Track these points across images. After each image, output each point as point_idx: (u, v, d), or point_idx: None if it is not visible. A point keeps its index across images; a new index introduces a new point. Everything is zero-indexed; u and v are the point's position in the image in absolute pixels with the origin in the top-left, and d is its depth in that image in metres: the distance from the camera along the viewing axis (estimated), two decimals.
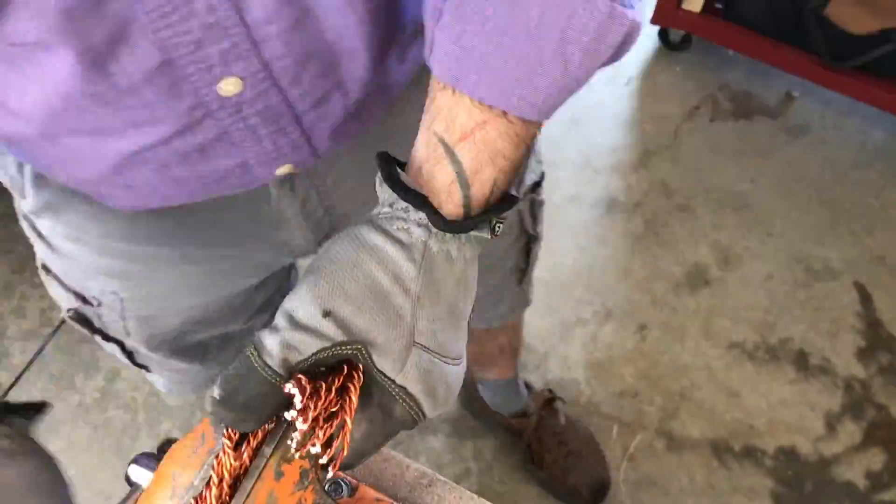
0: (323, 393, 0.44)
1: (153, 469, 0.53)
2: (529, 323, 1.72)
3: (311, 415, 0.44)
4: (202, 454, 0.50)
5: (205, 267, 0.75)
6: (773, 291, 1.76)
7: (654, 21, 2.02)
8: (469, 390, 1.58)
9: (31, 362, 1.71)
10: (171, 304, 0.80)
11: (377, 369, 0.46)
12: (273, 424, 0.50)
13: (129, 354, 0.90)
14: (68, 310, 0.82)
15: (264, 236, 0.73)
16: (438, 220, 0.46)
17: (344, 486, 0.57)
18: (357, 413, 0.46)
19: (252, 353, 0.44)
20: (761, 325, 1.72)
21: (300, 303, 0.45)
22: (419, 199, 0.47)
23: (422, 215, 0.47)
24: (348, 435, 0.45)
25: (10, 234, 1.83)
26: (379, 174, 0.49)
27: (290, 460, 0.49)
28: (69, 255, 0.73)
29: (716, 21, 1.94)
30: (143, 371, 0.96)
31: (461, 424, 1.61)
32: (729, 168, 1.94)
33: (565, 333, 1.71)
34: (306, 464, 0.49)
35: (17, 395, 1.68)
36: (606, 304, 1.74)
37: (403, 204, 0.47)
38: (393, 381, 0.46)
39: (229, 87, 0.49)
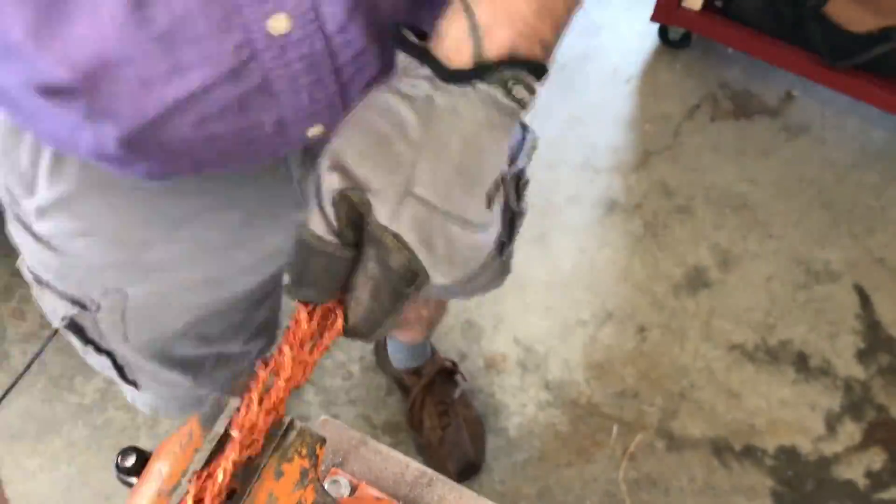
0: None
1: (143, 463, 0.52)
2: (529, 323, 1.73)
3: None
4: (189, 452, 0.50)
5: (219, 256, 0.75)
6: (774, 293, 1.76)
7: (654, 18, 2.02)
8: (377, 343, 1.64)
9: (30, 364, 1.71)
10: (179, 300, 0.79)
11: (373, 217, 0.46)
12: (272, 426, 0.50)
13: (120, 369, 0.88)
14: (63, 318, 0.80)
15: (283, 218, 0.72)
16: (440, 69, 0.46)
17: (344, 485, 0.57)
18: (361, 274, 0.48)
19: (305, 234, 0.47)
20: (761, 326, 1.72)
21: (321, 162, 0.47)
22: (422, 52, 0.47)
23: (427, 70, 0.47)
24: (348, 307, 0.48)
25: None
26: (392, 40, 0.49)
27: (290, 460, 0.49)
28: (74, 253, 0.72)
29: (716, 19, 1.94)
30: (130, 391, 0.95)
31: None
32: (729, 168, 1.94)
33: (565, 334, 1.71)
34: (306, 463, 0.49)
35: (17, 397, 1.68)
36: (606, 306, 1.74)
37: (412, 62, 0.47)
38: (387, 228, 0.46)
39: (278, 24, 0.49)
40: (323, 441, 0.50)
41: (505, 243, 1.03)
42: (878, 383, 1.64)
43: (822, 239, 1.83)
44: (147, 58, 0.49)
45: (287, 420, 0.50)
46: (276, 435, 0.50)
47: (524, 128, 0.90)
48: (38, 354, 1.71)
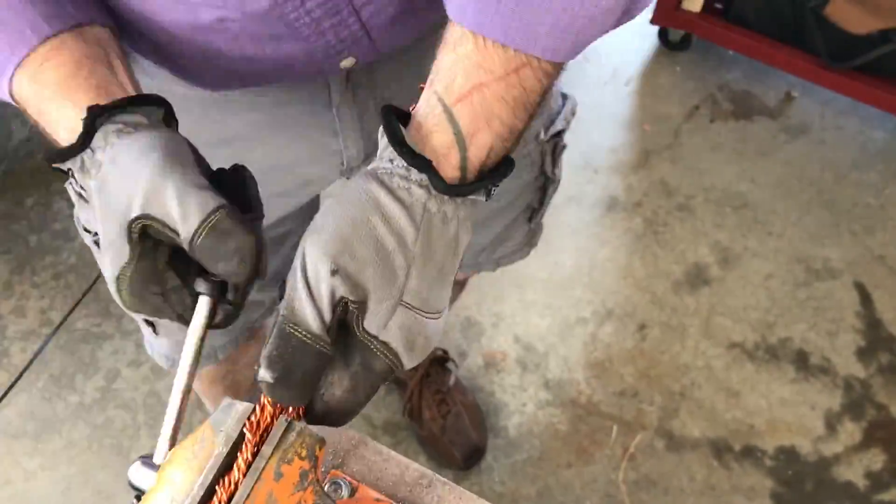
0: None
1: (154, 469, 0.53)
2: (529, 322, 1.73)
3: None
4: (202, 458, 0.50)
5: (259, 175, 0.77)
6: (773, 291, 1.76)
7: (653, 21, 2.02)
8: None
9: (30, 362, 1.71)
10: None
11: (362, 328, 0.47)
12: (271, 424, 0.50)
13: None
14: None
15: (318, 146, 0.76)
16: (439, 183, 0.47)
17: (344, 487, 0.57)
18: (340, 371, 0.49)
19: (293, 328, 0.46)
20: (761, 324, 1.72)
21: (316, 259, 0.46)
22: (422, 162, 0.47)
23: (423, 177, 0.47)
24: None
25: (10, 234, 1.83)
26: (382, 127, 0.49)
27: (289, 461, 0.49)
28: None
29: (715, 21, 1.94)
30: (148, 337, 0.99)
31: None
32: (729, 168, 1.94)
33: (565, 333, 1.71)
34: (306, 464, 0.49)
35: (17, 396, 1.68)
36: (606, 304, 1.74)
37: (403, 162, 0.48)
38: (375, 338, 0.47)
39: None
40: (322, 442, 0.50)
41: (535, 210, 1.05)
42: (879, 382, 1.64)
43: (822, 237, 1.83)
44: None
45: (286, 421, 0.50)
46: (276, 436, 0.50)
47: (564, 96, 0.93)
48: (38, 352, 1.71)
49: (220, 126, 0.73)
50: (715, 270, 1.79)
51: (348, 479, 0.57)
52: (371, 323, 0.47)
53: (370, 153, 0.78)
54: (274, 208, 0.82)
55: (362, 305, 0.47)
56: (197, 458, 0.50)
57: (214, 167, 0.72)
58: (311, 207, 0.93)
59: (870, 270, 1.78)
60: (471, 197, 0.49)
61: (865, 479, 1.55)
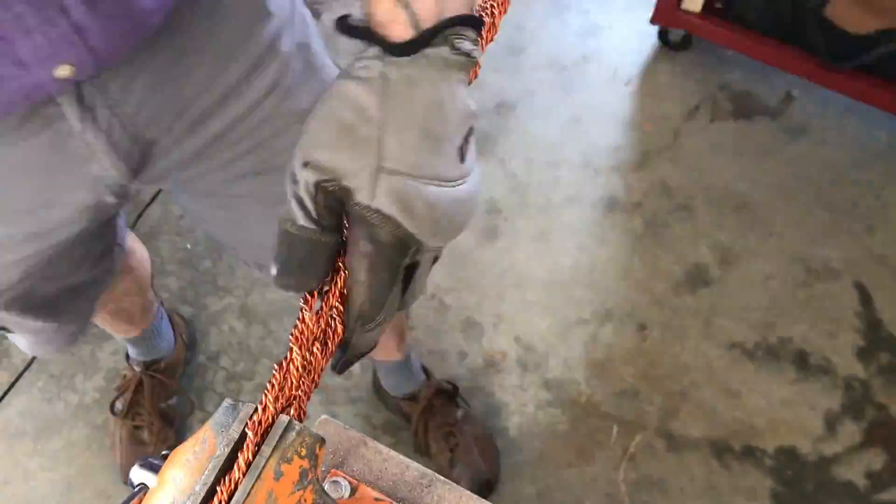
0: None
1: (155, 471, 0.53)
2: (530, 322, 1.73)
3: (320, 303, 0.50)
4: (203, 459, 0.50)
5: (30, 216, 0.77)
6: (774, 291, 1.76)
7: (654, 21, 2.02)
8: (373, 371, 1.63)
9: (30, 362, 1.71)
10: (3, 257, 0.81)
11: (354, 200, 0.48)
12: (273, 424, 0.50)
13: None
14: None
15: (77, 172, 0.74)
16: (387, 45, 0.48)
17: (343, 486, 0.57)
18: (354, 256, 0.49)
19: (286, 227, 0.49)
20: (761, 324, 1.72)
21: (293, 161, 0.49)
22: (366, 33, 0.49)
23: (375, 49, 0.48)
24: (343, 278, 0.50)
25: None
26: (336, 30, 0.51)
27: (289, 460, 0.49)
28: None
29: (716, 21, 1.94)
30: (4, 333, 0.99)
31: None
32: (729, 168, 1.94)
33: (565, 333, 1.71)
34: (306, 463, 0.49)
35: (17, 396, 1.68)
36: (606, 304, 1.75)
37: (361, 46, 0.49)
38: (368, 207, 0.48)
39: None
40: (322, 441, 0.50)
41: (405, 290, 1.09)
42: (879, 382, 1.64)
43: (823, 238, 1.83)
44: None
45: (286, 420, 0.50)
46: (276, 435, 0.50)
47: None
48: None
49: None
50: (715, 271, 1.79)
51: (348, 478, 0.57)
52: (359, 194, 0.48)
53: (138, 169, 0.76)
54: (65, 233, 0.82)
55: (342, 184, 0.48)
56: (198, 459, 0.50)
57: None
58: (105, 225, 0.94)
59: (870, 271, 1.78)
60: (434, 52, 0.48)
61: (865, 478, 1.55)
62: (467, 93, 0.51)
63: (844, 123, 2.00)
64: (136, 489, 0.53)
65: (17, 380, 1.69)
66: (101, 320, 1.37)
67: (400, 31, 0.48)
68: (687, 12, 1.95)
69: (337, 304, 0.51)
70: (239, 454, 0.49)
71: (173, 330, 1.63)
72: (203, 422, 0.52)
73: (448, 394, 1.57)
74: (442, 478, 0.60)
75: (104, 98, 0.68)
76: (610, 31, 2.18)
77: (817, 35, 1.80)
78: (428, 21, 0.48)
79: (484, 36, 0.53)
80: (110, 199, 0.80)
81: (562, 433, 1.61)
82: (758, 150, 1.97)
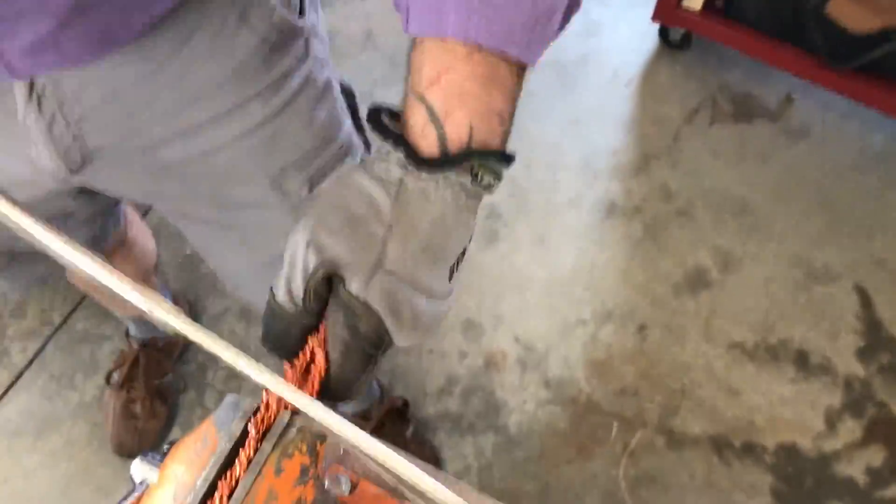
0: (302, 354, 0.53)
1: (157, 466, 0.53)
2: (530, 323, 1.73)
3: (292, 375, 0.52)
4: (205, 455, 0.50)
5: None
6: (774, 294, 1.76)
7: (654, 18, 2.02)
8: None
9: (31, 361, 1.71)
10: None
11: (345, 288, 0.50)
12: (272, 422, 0.50)
13: None
14: None
15: (17, 151, 0.74)
16: (413, 156, 0.49)
17: (344, 482, 0.57)
18: (333, 336, 0.51)
19: (270, 299, 0.52)
20: (761, 326, 1.72)
21: (292, 239, 0.51)
22: (396, 139, 0.50)
23: (400, 155, 0.50)
24: (320, 362, 0.52)
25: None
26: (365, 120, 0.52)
27: (290, 456, 0.49)
28: None
29: (716, 19, 1.94)
30: None
31: (461, 422, 1.62)
32: (729, 171, 1.94)
33: (565, 333, 1.71)
34: (307, 460, 0.49)
35: (17, 394, 1.68)
36: (606, 305, 1.75)
37: (386, 147, 0.50)
38: (357, 297, 0.49)
39: None
40: (323, 438, 0.50)
41: None
42: (879, 381, 1.65)
43: (823, 241, 1.83)
44: None
45: (287, 416, 0.50)
46: (277, 431, 0.50)
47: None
48: (38, 352, 1.72)
49: None
50: (715, 274, 1.79)
51: (349, 474, 0.57)
52: (352, 284, 0.49)
53: (76, 169, 0.76)
54: (28, 191, 0.81)
55: (339, 271, 0.49)
56: (200, 455, 0.50)
57: None
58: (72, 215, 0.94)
59: (870, 274, 1.78)
60: (455, 178, 0.50)
61: (866, 475, 1.55)
62: (473, 217, 0.53)
63: (844, 126, 2.00)
64: (138, 485, 0.54)
65: (17, 378, 1.69)
66: (97, 296, 1.40)
67: (427, 147, 0.50)
68: (687, 10, 1.95)
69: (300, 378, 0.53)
70: (241, 450, 0.49)
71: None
72: (203, 418, 0.52)
73: (399, 411, 1.57)
74: (443, 473, 0.60)
75: (55, 92, 0.69)
76: (610, 30, 2.18)
77: (818, 33, 1.80)
78: (456, 147, 0.50)
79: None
80: (51, 185, 0.80)
81: (562, 431, 1.61)
82: (758, 153, 1.97)
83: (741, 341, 1.70)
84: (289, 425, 0.50)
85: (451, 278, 0.53)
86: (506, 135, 0.52)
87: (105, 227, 1.09)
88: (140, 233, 1.34)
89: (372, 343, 0.51)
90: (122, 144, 0.75)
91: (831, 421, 1.61)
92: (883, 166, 1.93)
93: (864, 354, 1.68)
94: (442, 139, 0.50)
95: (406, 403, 1.59)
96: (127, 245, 1.25)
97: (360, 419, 1.55)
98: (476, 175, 0.50)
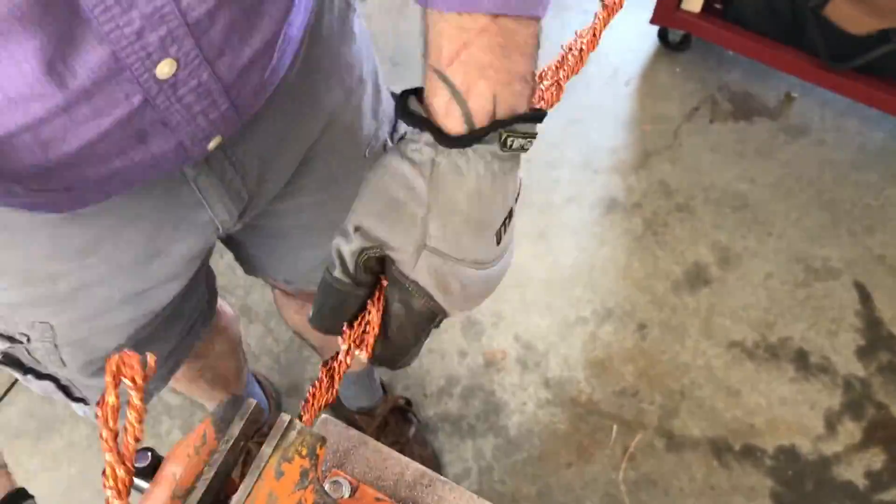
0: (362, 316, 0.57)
1: (155, 468, 0.52)
2: (529, 321, 1.73)
3: (351, 334, 0.56)
4: (204, 454, 0.50)
5: (135, 272, 0.74)
6: (773, 291, 1.76)
7: (653, 21, 2.02)
8: None
9: None
10: (104, 321, 0.78)
11: (395, 267, 0.54)
12: (272, 421, 0.50)
13: (65, 389, 0.87)
14: None
15: (187, 221, 0.73)
16: (440, 136, 0.52)
17: (344, 486, 0.57)
18: (389, 311, 0.56)
19: (326, 275, 0.55)
20: (761, 324, 1.72)
21: (345, 225, 0.55)
22: (422, 121, 0.53)
23: (429, 136, 0.52)
24: (375, 323, 0.56)
25: None
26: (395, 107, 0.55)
27: (290, 459, 0.49)
28: None
29: (715, 21, 1.94)
30: (79, 407, 0.93)
31: (461, 424, 1.62)
32: (728, 169, 1.94)
33: (565, 332, 1.71)
34: (307, 463, 0.49)
35: (18, 395, 1.68)
36: (606, 303, 1.75)
37: (416, 131, 0.53)
38: (407, 277, 0.54)
39: (164, 68, 0.51)
40: (323, 441, 0.50)
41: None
42: (879, 381, 1.65)
43: (822, 237, 1.83)
44: (49, 117, 0.49)
45: (287, 419, 0.50)
46: (277, 435, 0.50)
47: (394, 95, 0.93)
48: None
49: (73, 237, 0.68)
50: (714, 271, 1.79)
51: (349, 478, 0.57)
52: (402, 263, 0.54)
53: (244, 210, 0.76)
54: (167, 292, 0.80)
55: (388, 252, 0.53)
56: (199, 455, 0.50)
57: (81, 278, 0.71)
58: (199, 274, 0.92)
59: (869, 270, 1.78)
60: (484, 147, 0.51)
61: (865, 478, 1.55)
62: (513, 179, 0.55)
63: (844, 124, 2.00)
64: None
65: (17, 380, 1.69)
66: (198, 391, 1.33)
67: (454, 124, 0.52)
68: (686, 13, 1.95)
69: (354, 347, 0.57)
70: (240, 451, 0.49)
71: (264, 392, 1.61)
72: (202, 420, 0.52)
73: (402, 410, 1.57)
74: (442, 478, 0.60)
75: (225, 149, 0.69)
76: (610, 31, 2.17)
77: (817, 35, 1.80)
78: (481, 119, 0.51)
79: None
80: (211, 242, 0.80)
81: (562, 432, 1.61)
82: (757, 150, 1.97)
83: (741, 340, 1.70)
84: (289, 428, 0.50)
85: (499, 242, 0.56)
86: (532, 92, 0.53)
87: (203, 303, 1.04)
88: (223, 303, 1.27)
89: (425, 317, 0.55)
90: (282, 172, 0.78)
91: (831, 423, 1.61)
92: (882, 163, 1.94)
93: (863, 353, 1.68)
94: (467, 115, 0.51)
95: (409, 402, 1.59)
96: (219, 317, 1.20)
97: (366, 416, 1.55)
98: (505, 142, 0.52)
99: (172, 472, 0.50)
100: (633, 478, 1.55)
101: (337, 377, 0.58)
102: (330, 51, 0.76)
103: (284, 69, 0.66)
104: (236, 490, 0.49)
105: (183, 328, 0.93)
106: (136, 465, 0.52)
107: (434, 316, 0.55)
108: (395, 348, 0.57)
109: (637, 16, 2.12)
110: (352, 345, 0.57)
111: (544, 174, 1.93)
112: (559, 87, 0.60)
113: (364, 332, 0.56)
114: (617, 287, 1.77)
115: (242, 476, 0.49)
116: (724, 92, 2.06)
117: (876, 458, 1.57)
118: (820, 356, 1.68)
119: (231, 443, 0.49)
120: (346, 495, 0.57)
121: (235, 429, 0.50)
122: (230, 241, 0.96)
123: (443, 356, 1.69)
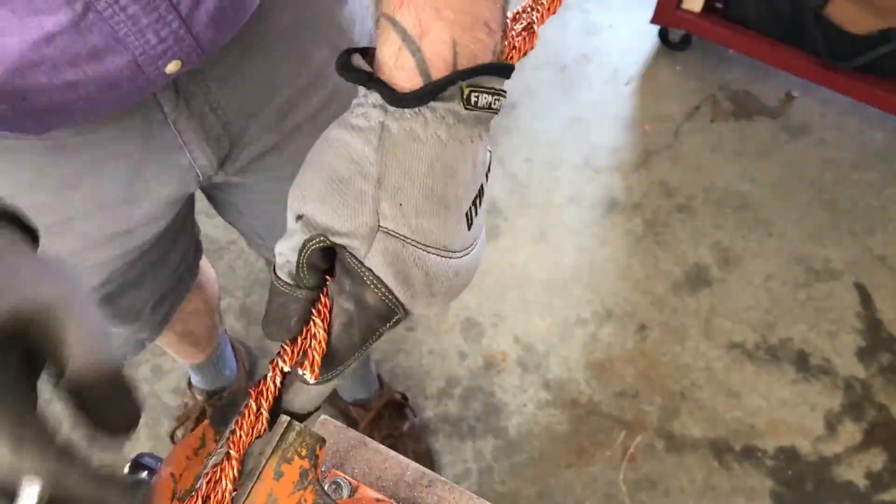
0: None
1: (154, 469, 0.52)
2: (530, 322, 1.72)
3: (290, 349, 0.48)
4: (203, 456, 0.50)
5: (117, 211, 0.76)
6: (774, 291, 1.76)
7: (654, 20, 2.02)
8: None
9: None
10: (90, 257, 0.80)
11: (347, 253, 0.44)
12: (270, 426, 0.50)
13: None
14: None
15: (166, 163, 0.73)
16: (390, 93, 0.42)
17: (344, 487, 0.57)
18: (337, 307, 0.46)
19: (270, 273, 0.48)
20: (761, 325, 1.72)
21: (287, 213, 0.46)
22: (366, 77, 0.43)
23: (377, 96, 0.43)
24: (321, 337, 0.46)
25: None
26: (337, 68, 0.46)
27: (289, 460, 0.49)
28: None
29: (716, 21, 1.94)
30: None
31: (461, 425, 1.61)
32: (729, 168, 1.94)
33: (565, 333, 1.71)
34: (306, 464, 0.49)
35: None
36: (606, 304, 1.74)
37: (363, 90, 0.44)
38: (361, 264, 0.44)
39: None
40: (323, 442, 0.50)
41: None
42: (879, 382, 1.64)
43: (823, 238, 1.83)
44: None
45: (286, 420, 0.50)
46: (276, 435, 0.50)
47: None
48: None
49: (55, 168, 0.68)
50: (715, 271, 1.79)
51: (348, 478, 0.57)
52: (354, 252, 0.44)
53: (224, 158, 0.76)
54: (150, 231, 0.81)
55: (336, 240, 0.44)
56: (198, 456, 0.50)
57: (64, 211, 0.72)
58: (184, 223, 0.93)
59: (870, 271, 1.78)
60: (445, 108, 0.42)
61: (865, 479, 1.55)
62: (482, 147, 0.45)
63: (844, 123, 2.00)
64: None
65: None
66: (167, 342, 1.33)
67: (406, 78, 0.43)
68: (687, 12, 1.95)
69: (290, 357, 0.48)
70: (239, 451, 0.49)
71: (235, 357, 1.61)
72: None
73: (398, 405, 1.56)
74: (442, 478, 0.60)
75: (200, 87, 0.69)
76: (610, 30, 2.18)
77: (817, 35, 1.80)
78: (439, 70, 0.42)
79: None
80: (192, 189, 0.80)
81: (562, 433, 1.60)
82: (758, 150, 1.97)
83: (741, 341, 1.69)
84: (288, 429, 0.50)
85: (470, 226, 0.45)
86: (498, 45, 0.44)
87: (188, 252, 1.04)
88: (205, 261, 1.29)
89: (379, 316, 0.45)
90: (261, 117, 0.76)
91: (831, 424, 1.60)
92: (883, 163, 1.94)
93: (864, 354, 1.68)
94: (421, 64, 0.42)
95: (405, 398, 1.58)
96: (199, 286, 1.22)
97: (360, 408, 1.55)
98: (468, 98, 0.42)
99: (172, 474, 0.50)
100: (634, 479, 1.55)
101: (266, 403, 0.48)
102: (319, 6, 0.74)
103: (252, 5, 0.64)
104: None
105: (171, 276, 0.96)
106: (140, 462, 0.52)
107: (390, 315, 0.45)
108: (334, 351, 0.46)
109: (637, 15, 2.12)
110: (290, 362, 0.48)
111: (544, 174, 1.93)
112: (532, 32, 0.49)
113: (310, 345, 0.47)
114: (617, 288, 1.77)
115: (238, 476, 0.49)
116: (725, 91, 2.06)
117: (876, 459, 1.57)
118: (820, 357, 1.68)
119: (229, 443, 0.49)
120: (346, 496, 0.56)
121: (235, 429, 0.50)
122: (212, 194, 0.96)
123: (443, 357, 1.69)
